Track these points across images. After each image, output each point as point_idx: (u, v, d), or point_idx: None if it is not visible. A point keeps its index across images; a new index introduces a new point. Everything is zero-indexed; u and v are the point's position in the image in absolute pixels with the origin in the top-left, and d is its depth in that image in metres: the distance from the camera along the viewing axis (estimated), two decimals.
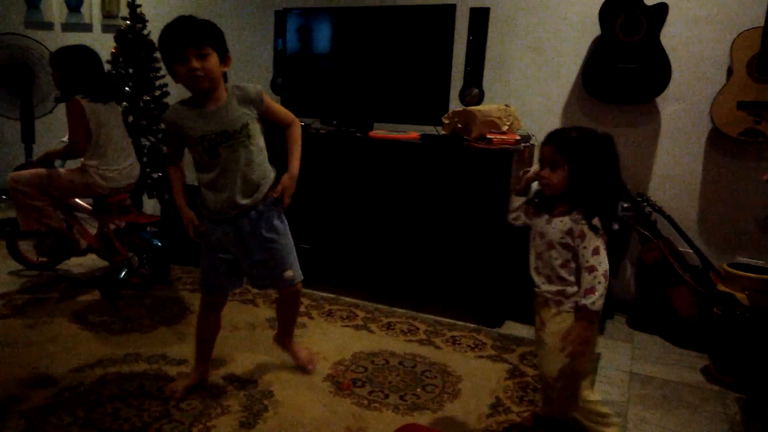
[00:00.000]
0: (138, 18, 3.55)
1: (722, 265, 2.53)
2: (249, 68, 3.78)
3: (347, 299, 2.92)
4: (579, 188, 1.52)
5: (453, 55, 2.85)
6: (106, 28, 4.23)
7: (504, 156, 2.55)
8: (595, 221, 1.51)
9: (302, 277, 2.00)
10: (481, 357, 2.34)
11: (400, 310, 2.81)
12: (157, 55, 3.65)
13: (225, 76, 1.85)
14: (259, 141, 1.86)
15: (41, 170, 2.73)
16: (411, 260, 2.83)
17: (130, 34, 3.53)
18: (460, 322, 2.68)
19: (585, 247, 1.50)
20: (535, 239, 1.65)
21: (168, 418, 1.81)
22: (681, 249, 2.72)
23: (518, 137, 2.68)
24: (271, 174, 1.91)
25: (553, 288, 1.59)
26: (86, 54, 2.78)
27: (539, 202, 1.66)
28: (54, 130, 4.39)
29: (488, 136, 2.60)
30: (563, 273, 1.57)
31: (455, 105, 2.88)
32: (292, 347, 2.18)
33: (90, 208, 2.92)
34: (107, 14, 4.22)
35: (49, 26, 4.48)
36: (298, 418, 1.84)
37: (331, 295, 2.95)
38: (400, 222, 2.82)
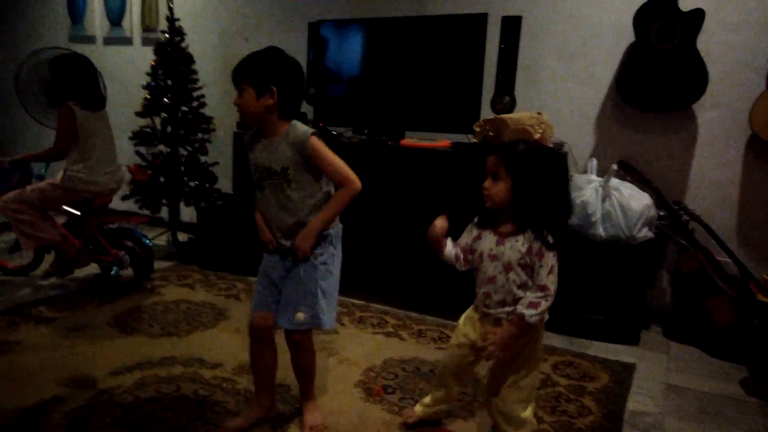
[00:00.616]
0: (176, 31, 3.67)
1: (762, 275, 2.46)
2: None
3: (378, 306, 2.94)
4: (522, 203, 1.50)
5: (484, 63, 2.86)
6: (145, 42, 4.36)
7: None
8: (550, 239, 1.49)
9: (321, 326, 1.77)
10: None
11: (430, 317, 2.81)
12: (195, 67, 3.76)
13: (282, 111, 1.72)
14: (307, 187, 1.72)
15: (26, 188, 2.84)
16: (442, 268, 2.83)
17: (168, 46, 3.65)
18: None
19: (542, 266, 1.49)
20: (484, 263, 1.59)
21: (203, 420, 1.85)
22: (719, 258, 2.66)
23: (551, 145, 2.66)
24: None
25: (508, 309, 1.56)
26: (81, 63, 2.91)
27: (480, 219, 1.64)
28: None
29: None
30: (519, 293, 1.53)
31: (487, 113, 2.88)
32: (305, 406, 1.91)
33: (78, 213, 3.01)
34: (147, 28, 4.36)
35: (91, 40, 4.65)
36: (329, 423, 1.86)
37: (361, 302, 2.97)
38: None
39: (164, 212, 3.96)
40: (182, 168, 3.79)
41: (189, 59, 3.71)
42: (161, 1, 4.20)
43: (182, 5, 4.06)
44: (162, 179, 3.76)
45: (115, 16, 4.50)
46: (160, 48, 3.67)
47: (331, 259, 1.81)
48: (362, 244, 3.03)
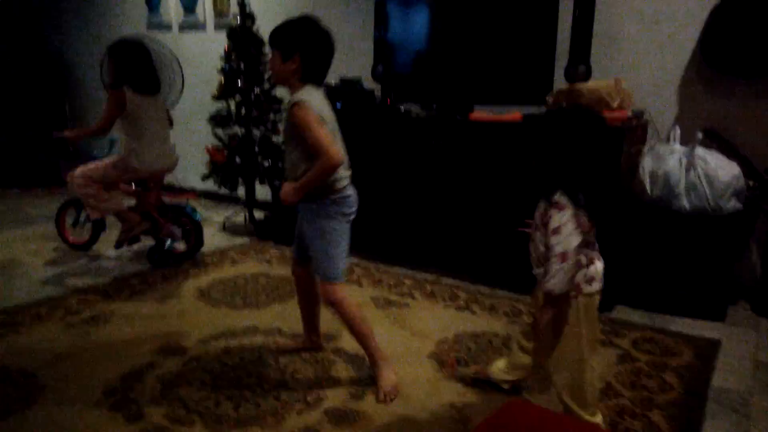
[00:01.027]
0: (247, 15, 3.76)
1: None
2: (350, 58, 3.88)
3: (449, 280, 2.95)
4: (543, 166, 1.51)
5: (557, 31, 2.77)
6: (218, 27, 4.51)
7: (614, 134, 2.44)
8: (557, 197, 1.46)
9: (333, 281, 1.90)
10: None
11: (501, 292, 2.80)
12: (266, 50, 3.85)
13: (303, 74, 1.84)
14: (297, 151, 1.83)
15: (89, 165, 3.08)
16: (513, 243, 2.80)
17: (240, 31, 3.75)
18: None
19: (548, 227, 1.47)
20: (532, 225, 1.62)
21: (285, 386, 1.94)
22: None
23: (629, 114, 2.56)
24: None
25: (541, 270, 1.56)
26: (139, 49, 3.06)
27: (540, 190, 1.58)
28: (175, 122, 4.76)
29: None
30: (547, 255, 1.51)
31: (561, 83, 2.79)
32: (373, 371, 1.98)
33: (134, 190, 3.25)
34: (219, 13, 4.49)
35: (167, 27, 4.85)
36: (404, 392, 1.91)
37: (432, 276, 2.99)
38: (501, 205, 2.79)
39: (241, 191, 4.11)
40: (256, 148, 3.91)
41: (260, 42, 3.81)
42: None
43: None
44: (238, 159, 3.91)
45: (189, 3, 4.66)
46: (232, 32, 3.78)
47: (330, 234, 1.87)
48: (433, 220, 3.04)
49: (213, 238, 3.74)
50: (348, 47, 3.88)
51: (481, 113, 2.97)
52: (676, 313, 2.54)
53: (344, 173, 1.87)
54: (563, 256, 1.44)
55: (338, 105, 3.29)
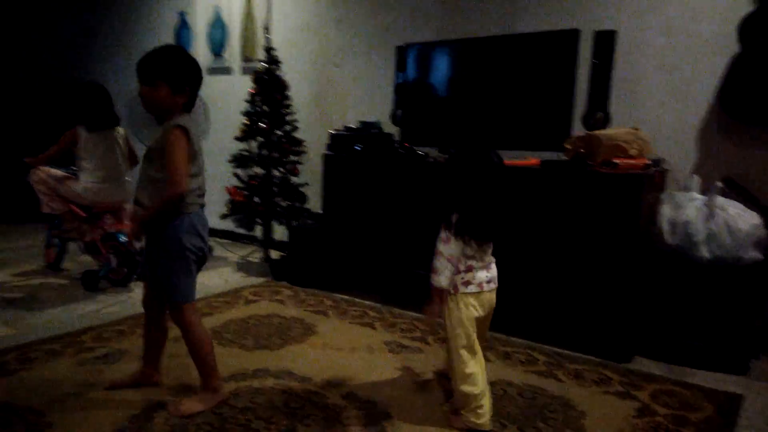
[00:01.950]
0: (273, 60, 3.87)
1: None
2: (370, 102, 3.96)
3: None
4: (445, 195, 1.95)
5: (576, 79, 2.79)
6: (245, 71, 4.64)
7: (632, 181, 2.43)
8: (451, 217, 1.89)
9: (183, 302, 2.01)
10: (607, 393, 2.21)
11: (517, 339, 2.74)
12: (289, 93, 3.95)
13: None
14: (159, 169, 1.90)
15: (55, 171, 3.49)
16: (529, 288, 2.76)
17: (266, 75, 3.86)
18: (583, 355, 2.56)
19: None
20: None
21: None
22: None
23: (648, 161, 2.55)
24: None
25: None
26: (96, 90, 3.45)
27: None
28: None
29: (614, 161, 2.50)
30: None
31: (578, 130, 2.80)
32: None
33: (84, 215, 3.50)
34: (246, 58, 4.64)
35: None
36: None
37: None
38: (518, 249, 2.77)
39: (258, 231, 4.15)
40: (275, 189, 3.96)
41: (284, 86, 3.91)
42: (259, 33, 4.46)
43: (278, 35, 4.29)
44: (256, 199, 3.96)
45: (218, 48, 4.83)
46: (258, 76, 3.89)
47: (172, 255, 1.96)
48: None
49: (228, 277, 3.76)
50: (368, 92, 3.96)
51: None
52: (696, 365, 2.46)
53: (196, 200, 1.97)
54: (441, 255, 1.90)
55: (357, 147, 3.35)
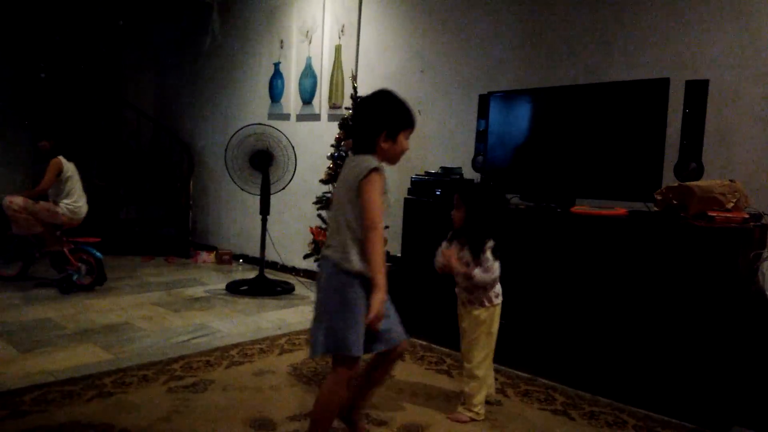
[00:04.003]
0: None
1: None
2: (451, 148, 4.01)
3: (544, 381, 2.81)
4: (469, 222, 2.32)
5: (667, 129, 2.73)
6: (331, 117, 4.86)
7: (729, 235, 2.31)
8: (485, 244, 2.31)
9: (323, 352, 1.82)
10: None
11: (603, 399, 2.62)
12: None
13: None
14: (354, 211, 1.78)
15: (29, 200, 4.13)
16: (616, 346, 2.64)
17: (351, 121, 4.02)
18: (675, 420, 2.40)
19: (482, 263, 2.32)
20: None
21: None
22: None
23: (746, 215, 2.42)
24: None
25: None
26: (59, 127, 4.35)
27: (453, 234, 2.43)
28: (284, 203, 5.08)
29: (710, 214, 2.39)
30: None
31: (669, 180, 2.71)
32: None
33: (58, 233, 4.22)
34: (333, 105, 4.86)
35: (286, 117, 5.29)
36: None
37: (527, 375, 2.87)
38: (603, 303, 2.67)
39: None
40: None
41: None
42: (347, 82, 4.67)
43: (364, 84, 4.47)
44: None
45: (307, 97, 5.09)
46: (343, 122, 4.06)
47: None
48: (528, 315, 2.96)
49: (308, 316, 3.84)
50: (450, 138, 4.03)
51: (583, 207, 2.93)
52: None
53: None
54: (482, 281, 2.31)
55: (437, 192, 3.39)
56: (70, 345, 3.04)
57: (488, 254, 2.28)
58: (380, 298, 1.73)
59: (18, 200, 4.10)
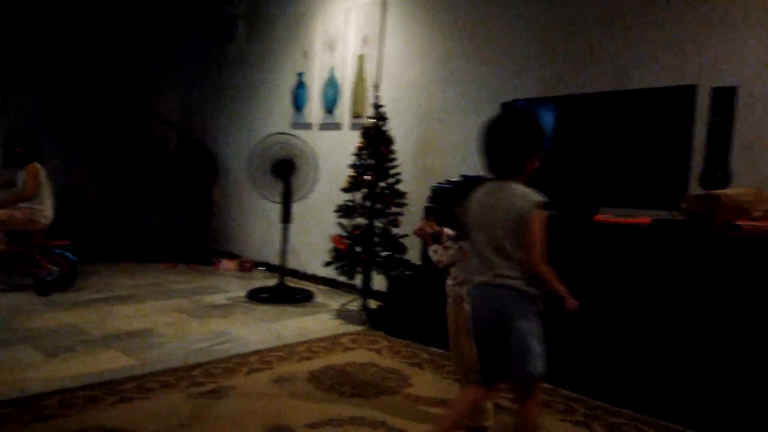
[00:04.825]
0: (380, 116, 4.05)
1: None
2: (474, 156, 3.99)
3: (565, 392, 2.76)
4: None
5: (693, 136, 2.67)
6: (353, 126, 4.88)
7: (758, 244, 2.25)
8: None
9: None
10: None
11: (625, 410, 2.56)
12: (394, 147, 4.09)
13: None
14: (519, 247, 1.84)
15: (7, 210, 4.13)
16: (639, 357, 2.59)
17: (373, 130, 4.04)
18: None
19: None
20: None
21: None
22: None
23: None
24: None
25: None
26: (35, 134, 4.34)
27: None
28: (305, 212, 5.11)
29: (736, 223, 2.34)
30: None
31: (694, 189, 2.66)
32: None
33: (28, 238, 4.24)
34: (355, 115, 4.88)
35: (308, 126, 5.33)
36: None
37: (547, 386, 2.82)
38: (625, 313, 2.62)
39: (358, 279, 4.24)
40: (376, 239, 4.06)
41: (389, 140, 4.06)
42: (369, 91, 4.70)
43: (386, 93, 4.49)
44: (358, 249, 4.07)
45: (330, 106, 5.13)
46: (365, 131, 4.08)
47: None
48: (549, 324, 2.91)
49: (328, 324, 3.85)
50: (472, 146, 4.00)
51: (606, 215, 2.88)
52: None
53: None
54: (437, 262, 2.35)
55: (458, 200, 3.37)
56: (93, 350, 3.09)
57: (443, 249, 2.31)
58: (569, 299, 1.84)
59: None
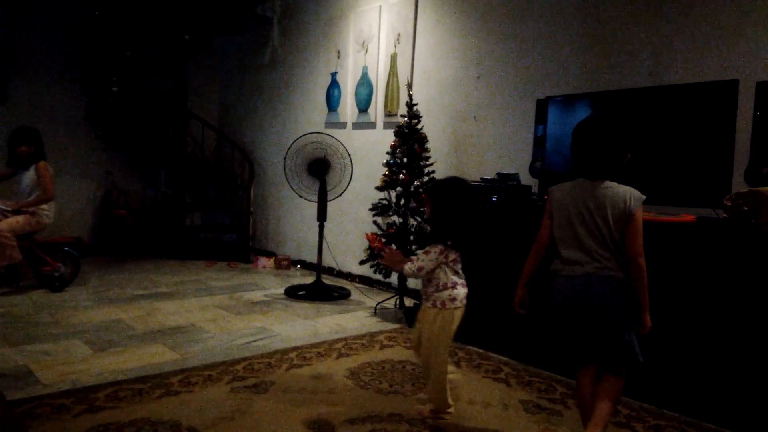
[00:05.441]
0: (414, 115, 4.06)
1: None
2: (509, 154, 3.98)
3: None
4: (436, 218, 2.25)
5: (736, 133, 2.61)
6: (386, 125, 4.91)
7: None
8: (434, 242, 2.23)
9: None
10: None
11: (669, 412, 2.52)
12: (428, 145, 4.10)
13: None
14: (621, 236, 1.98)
15: (18, 218, 4.13)
16: (683, 358, 2.55)
17: (406, 129, 4.05)
18: None
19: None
20: None
21: None
22: None
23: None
24: None
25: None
26: (38, 133, 4.33)
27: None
28: (340, 210, 5.16)
29: None
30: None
31: (739, 186, 2.60)
32: None
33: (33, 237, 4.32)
34: (388, 113, 4.91)
35: (342, 125, 5.38)
36: None
37: None
38: (669, 313, 2.58)
39: (394, 277, 4.27)
40: (411, 237, 4.08)
41: (423, 139, 4.07)
42: (402, 90, 4.71)
43: (420, 92, 4.50)
44: (394, 247, 4.09)
45: (363, 105, 5.17)
46: (399, 130, 4.10)
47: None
48: None
49: (365, 321, 3.89)
50: (507, 144, 4.00)
51: (648, 213, 2.83)
52: None
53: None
54: (419, 269, 2.23)
55: (494, 198, 3.37)
56: (139, 345, 3.20)
57: (424, 254, 2.22)
58: (648, 318, 1.97)
59: (3, 226, 4.03)
